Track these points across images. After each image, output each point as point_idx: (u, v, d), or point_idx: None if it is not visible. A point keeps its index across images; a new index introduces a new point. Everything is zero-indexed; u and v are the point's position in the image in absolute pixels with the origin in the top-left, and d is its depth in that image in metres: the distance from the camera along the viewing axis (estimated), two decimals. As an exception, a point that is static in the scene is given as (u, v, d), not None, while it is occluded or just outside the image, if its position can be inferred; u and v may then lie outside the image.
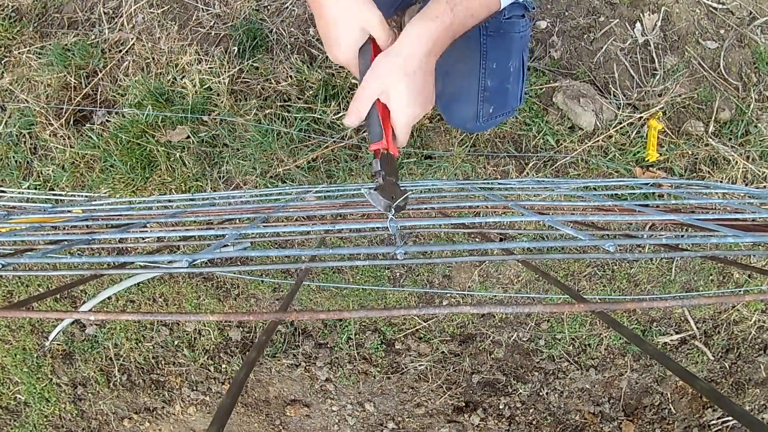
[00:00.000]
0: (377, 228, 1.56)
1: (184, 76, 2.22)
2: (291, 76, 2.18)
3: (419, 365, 2.58)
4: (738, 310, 2.48)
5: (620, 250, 2.04)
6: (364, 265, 2.42)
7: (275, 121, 2.16)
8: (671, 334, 2.52)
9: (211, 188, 2.27)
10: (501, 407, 2.60)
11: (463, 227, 1.64)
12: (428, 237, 2.32)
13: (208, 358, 2.67)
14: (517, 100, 1.56)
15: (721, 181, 2.16)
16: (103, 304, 2.61)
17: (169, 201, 2.01)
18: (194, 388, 2.73)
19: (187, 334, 2.66)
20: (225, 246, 0.61)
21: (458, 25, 1.02)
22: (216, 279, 2.54)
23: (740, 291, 2.44)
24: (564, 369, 2.57)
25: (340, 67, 2.15)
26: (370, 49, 1.01)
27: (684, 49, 2.16)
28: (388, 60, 0.97)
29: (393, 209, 0.83)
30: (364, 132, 2.17)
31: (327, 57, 2.15)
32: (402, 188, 0.90)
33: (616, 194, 2.02)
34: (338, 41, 1.01)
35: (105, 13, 2.30)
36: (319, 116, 2.16)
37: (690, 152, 2.16)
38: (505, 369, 2.59)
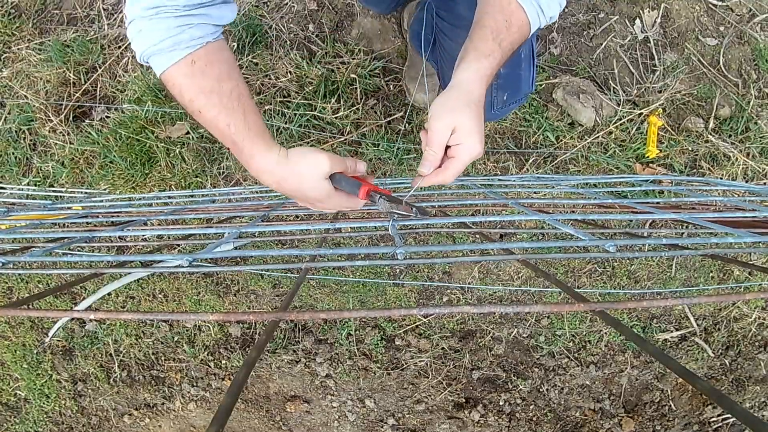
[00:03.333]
0: (377, 227, 1.56)
1: (183, 73, 2.22)
2: (290, 72, 2.17)
3: (419, 361, 2.58)
4: (738, 307, 2.48)
5: (620, 249, 2.04)
6: (364, 265, 2.43)
7: (275, 117, 2.15)
8: (671, 331, 2.52)
9: (210, 184, 2.27)
10: (501, 403, 2.60)
11: (463, 226, 1.64)
12: (428, 235, 2.32)
13: (208, 354, 2.67)
14: (529, 86, 1.56)
15: (721, 178, 2.16)
16: (102, 300, 2.61)
17: (169, 198, 2.01)
18: (194, 384, 2.73)
19: (187, 330, 2.66)
20: (225, 245, 0.61)
21: (504, 59, 1.04)
22: (216, 275, 2.54)
23: (741, 288, 2.44)
24: (564, 365, 2.57)
25: (340, 63, 2.15)
26: (338, 175, 1.03)
27: (684, 46, 2.16)
28: (453, 95, 0.99)
29: (415, 210, 0.83)
30: (364, 128, 2.17)
31: (327, 53, 2.15)
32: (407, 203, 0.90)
33: (616, 191, 2.01)
34: (320, 199, 1.03)
35: (104, 10, 2.29)
36: (318, 112, 2.16)
37: (690, 149, 2.16)
38: (505, 365, 2.59)
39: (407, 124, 2.18)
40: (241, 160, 1.02)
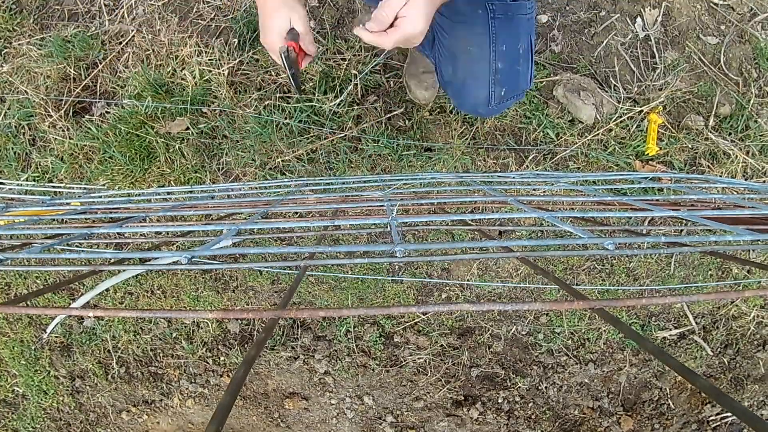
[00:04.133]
0: (376, 224, 1.56)
1: (183, 68, 2.22)
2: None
3: (418, 358, 2.58)
4: (737, 305, 2.49)
5: (620, 247, 2.04)
6: (362, 263, 2.43)
7: (275, 113, 2.15)
8: (670, 329, 2.52)
9: (210, 180, 2.27)
10: (500, 401, 2.61)
11: (462, 223, 1.64)
12: (427, 232, 2.32)
13: (206, 351, 2.67)
14: (527, 82, 1.58)
15: (720, 176, 2.16)
16: (101, 295, 2.61)
17: (168, 193, 2.01)
18: (192, 380, 2.73)
19: (185, 327, 2.66)
20: (223, 241, 0.61)
21: None
22: (214, 271, 2.54)
23: (739, 285, 2.44)
24: (563, 363, 2.57)
25: (341, 59, 2.15)
26: (291, 37, 1.30)
27: (684, 44, 2.16)
28: None
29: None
30: (364, 125, 2.17)
31: (327, 49, 2.15)
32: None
33: (615, 188, 2.01)
34: (271, 29, 1.27)
35: (105, 5, 2.29)
36: (318, 108, 2.15)
37: (690, 146, 2.16)
38: (503, 363, 2.59)
39: (407, 121, 2.18)
40: None
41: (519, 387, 2.59)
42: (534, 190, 1.89)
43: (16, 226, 0.75)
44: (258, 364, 2.66)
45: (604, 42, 2.16)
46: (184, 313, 0.41)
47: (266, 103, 2.16)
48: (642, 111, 2.12)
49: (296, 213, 1.98)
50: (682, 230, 2.03)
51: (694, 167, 2.19)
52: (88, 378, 2.82)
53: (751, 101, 2.13)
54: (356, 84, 2.13)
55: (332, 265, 2.47)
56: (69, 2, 2.32)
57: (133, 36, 2.26)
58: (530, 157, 2.18)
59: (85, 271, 0.58)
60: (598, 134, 2.13)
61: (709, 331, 2.53)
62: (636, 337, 0.44)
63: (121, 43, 2.27)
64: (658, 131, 2.13)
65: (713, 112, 2.14)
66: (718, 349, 2.56)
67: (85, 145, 2.30)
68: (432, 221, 1.20)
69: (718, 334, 2.51)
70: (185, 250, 0.51)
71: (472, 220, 1.17)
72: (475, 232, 2.22)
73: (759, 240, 0.57)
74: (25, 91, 2.30)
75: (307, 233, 2.35)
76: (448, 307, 0.43)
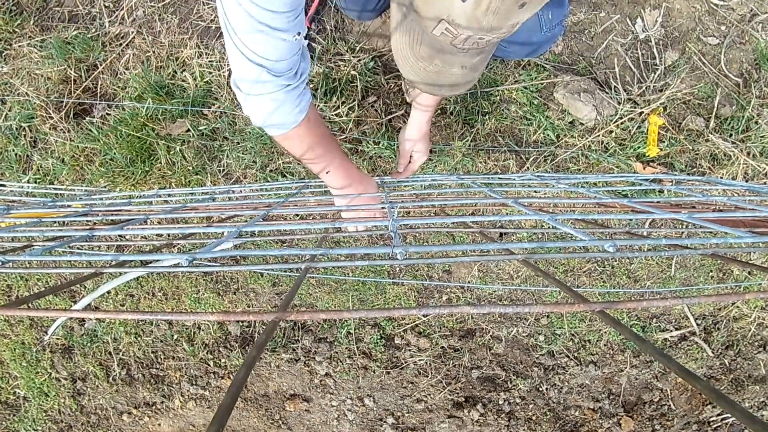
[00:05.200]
0: (377, 226, 1.56)
1: (184, 70, 2.22)
2: (291, 71, 2.17)
3: (419, 360, 2.58)
4: (738, 306, 2.48)
5: (620, 249, 2.04)
6: (363, 265, 2.43)
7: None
8: (671, 331, 2.52)
9: (211, 182, 2.27)
10: (500, 403, 2.61)
11: (463, 225, 1.64)
12: (428, 234, 2.32)
13: (207, 353, 2.67)
14: (566, 6, 1.57)
15: (721, 177, 2.16)
16: (102, 298, 2.61)
17: (169, 195, 2.01)
18: (193, 382, 2.73)
19: (186, 329, 2.66)
20: (224, 243, 0.61)
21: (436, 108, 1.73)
22: (215, 274, 2.54)
23: (740, 287, 2.44)
24: (563, 365, 2.57)
25: (340, 61, 2.15)
26: None
27: (685, 45, 2.16)
28: (414, 130, 1.77)
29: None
30: (365, 126, 2.17)
31: (328, 50, 2.15)
32: None
33: (616, 190, 2.01)
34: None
35: (106, 7, 2.29)
36: (319, 110, 2.16)
37: (690, 148, 2.16)
38: (504, 364, 2.59)
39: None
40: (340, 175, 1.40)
41: (520, 388, 2.59)
42: (535, 192, 1.89)
43: (17, 228, 0.75)
44: (259, 366, 2.66)
45: (605, 43, 2.16)
46: (185, 315, 0.41)
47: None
48: (642, 112, 2.12)
49: (297, 215, 1.98)
50: (683, 232, 2.03)
51: (695, 169, 2.19)
52: (89, 380, 2.82)
53: (752, 102, 2.13)
54: (356, 86, 2.13)
55: (333, 268, 2.48)
56: (69, 4, 2.32)
57: (134, 38, 2.26)
58: (531, 159, 2.18)
59: (87, 273, 0.57)
60: (598, 136, 2.13)
61: (710, 333, 2.53)
62: (636, 338, 0.44)
63: (121, 44, 2.28)
64: (659, 133, 2.13)
65: (714, 114, 2.14)
66: (719, 351, 2.55)
67: (86, 147, 2.30)
68: (433, 223, 1.21)
69: (719, 335, 2.51)
70: (186, 252, 0.51)
71: (473, 222, 1.18)
72: (476, 234, 2.22)
73: (760, 242, 0.57)
74: (26, 92, 2.30)
75: (307, 235, 2.35)
76: (449, 309, 0.43)
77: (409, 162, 1.84)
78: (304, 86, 1.13)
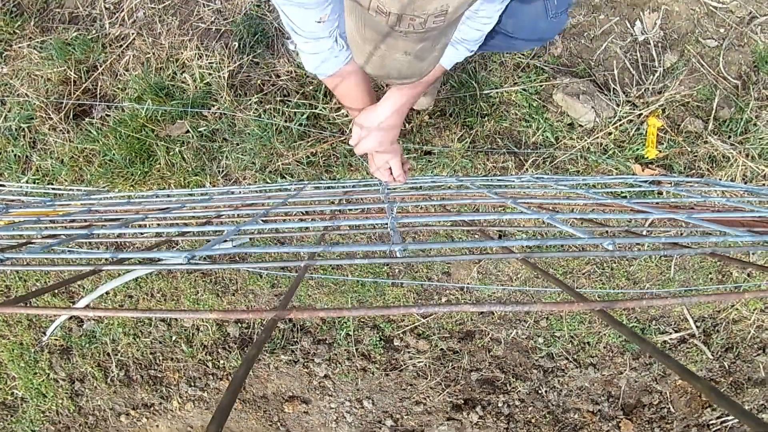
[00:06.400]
0: (377, 225, 1.56)
1: (184, 71, 2.22)
2: (291, 71, 2.17)
3: (418, 362, 2.58)
4: (737, 309, 2.48)
5: (619, 247, 2.04)
6: (362, 264, 2.42)
7: (275, 116, 2.15)
8: (670, 333, 2.52)
9: (210, 183, 2.27)
10: (500, 405, 2.60)
11: (462, 224, 1.64)
12: (427, 234, 2.32)
13: (206, 354, 2.66)
14: None
15: (720, 179, 2.16)
16: (100, 299, 2.61)
17: (168, 196, 2.01)
18: (192, 384, 2.72)
19: (185, 330, 2.66)
20: (224, 242, 0.60)
21: (417, 95, 1.52)
22: (214, 274, 2.54)
23: (740, 289, 2.44)
24: (563, 367, 2.57)
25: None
26: None
27: (684, 48, 2.16)
28: (382, 138, 1.55)
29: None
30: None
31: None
32: None
33: (615, 191, 2.01)
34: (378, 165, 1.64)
35: (106, 9, 2.29)
36: (318, 111, 2.16)
37: (689, 150, 2.16)
38: (503, 366, 2.59)
39: (407, 125, 2.18)
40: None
41: (519, 391, 2.59)
42: (534, 193, 1.89)
43: (16, 227, 0.75)
44: (258, 368, 2.66)
45: (604, 45, 2.16)
46: (184, 313, 0.41)
47: (266, 106, 2.17)
48: (641, 114, 2.12)
49: (296, 214, 1.98)
50: (682, 233, 2.03)
51: (694, 171, 2.19)
52: (87, 381, 2.81)
53: (751, 104, 2.13)
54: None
55: (332, 268, 2.47)
56: (70, 5, 2.33)
57: (134, 39, 2.26)
58: (530, 161, 2.18)
59: (86, 270, 0.57)
60: (597, 138, 2.13)
61: (710, 335, 2.53)
62: (636, 337, 0.44)
63: (121, 46, 2.28)
64: (658, 135, 2.13)
65: (712, 116, 2.14)
66: (719, 353, 2.55)
67: (86, 148, 2.30)
68: (432, 222, 1.21)
69: (718, 337, 2.51)
70: (186, 251, 0.51)
71: (472, 221, 1.17)
72: (476, 234, 2.22)
73: (759, 241, 0.57)
74: (26, 93, 2.30)
75: (306, 233, 2.35)
76: (448, 308, 0.43)
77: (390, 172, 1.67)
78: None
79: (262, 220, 0.99)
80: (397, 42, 0.99)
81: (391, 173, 1.64)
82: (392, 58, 1.05)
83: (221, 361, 2.66)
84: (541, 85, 2.15)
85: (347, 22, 1.07)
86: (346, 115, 2.14)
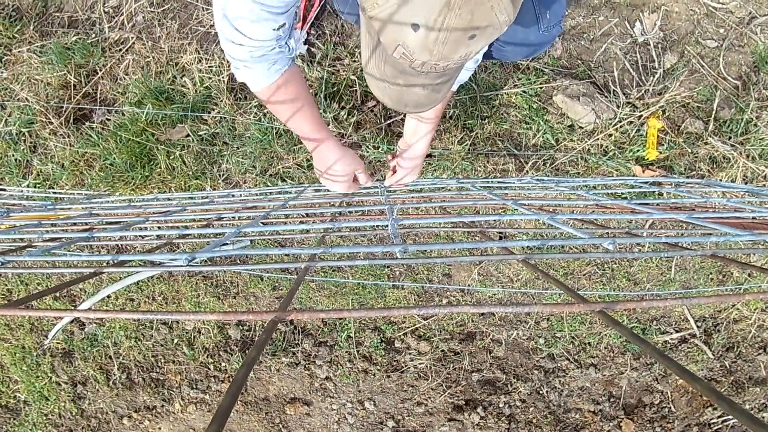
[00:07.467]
0: (377, 226, 1.56)
1: (184, 75, 2.22)
2: (291, 75, 2.18)
3: (419, 363, 2.58)
4: (738, 308, 2.48)
5: (620, 248, 2.04)
6: (363, 265, 2.42)
7: (275, 120, 2.16)
8: (671, 333, 2.52)
9: (210, 186, 2.27)
10: (501, 406, 2.60)
11: (462, 226, 1.64)
12: (427, 236, 2.32)
13: (207, 357, 2.67)
14: (564, 5, 1.58)
15: (721, 180, 2.16)
16: (102, 302, 2.61)
17: (168, 200, 2.01)
18: (194, 386, 2.73)
19: (186, 333, 2.66)
20: (224, 244, 0.61)
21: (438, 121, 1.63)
22: (215, 277, 2.54)
23: (740, 289, 2.44)
24: (564, 367, 2.57)
25: (339, 66, 2.15)
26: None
27: (684, 49, 2.16)
28: (413, 158, 1.68)
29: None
30: (364, 131, 2.17)
31: (327, 55, 2.15)
32: None
33: (615, 193, 2.02)
34: (346, 180, 1.58)
35: (105, 12, 2.29)
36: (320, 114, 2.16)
37: (690, 151, 2.16)
38: (504, 367, 2.59)
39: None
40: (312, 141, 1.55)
41: (520, 391, 2.59)
42: (534, 194, 1.89)
43: (17, 230, 0.75)
44: (259, 370, 2.66)
45: (603, 47, 2.16)
46: (185, 315, 0.41)
47: (266, 110, 2.17)
48: (641, 115, 2.12)
49: (296, 216, 1.99)
50: (683, 233, 2.03)
51: (694, 171, 2.19)
52: (89, 384, 2.81)
53: (751, 105, 2.13)
54: (355, 90, 2.13)
55: (333, 271, 2.48)
56: (69, 9, 2.33)
57: (134, 43, 2.27)
58: (530, 163, 2.18)
59: (87, 273, 0.58)
60: (597, 139, 2.13)
61: (710, 335, 2.53)
62: (636, 338, 0.45)
63: (121, 50, 2.28)
64: (658, 136, 2.13)
65: (713, 116, 2.15)
66: (719, 353, 2.55)
67: (86, 152, 2.31)
68: (432, 224, 1.21)
69: (719, 337, 2.51)
70: (187, 253, 0.51)
71: (472, 222, 1.18)
72: (476, 236, 2.22)
73: (760, 241, 0.57)
74: (26, 98, 2.31)
75: (307, 235, 2.35)
76: (448, 309, 0.43)
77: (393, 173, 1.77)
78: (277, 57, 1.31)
79: (263, 223, 0.99)
80: (417, 78, 1.00)
81: (355, 180, 1.68)
82: (411, 92, 1.06)
83: (223, 364, 2.67)
84: (541, 87, 2.15)
85: (363, 54, 1.07)
86: (346, 118, 2.14)
